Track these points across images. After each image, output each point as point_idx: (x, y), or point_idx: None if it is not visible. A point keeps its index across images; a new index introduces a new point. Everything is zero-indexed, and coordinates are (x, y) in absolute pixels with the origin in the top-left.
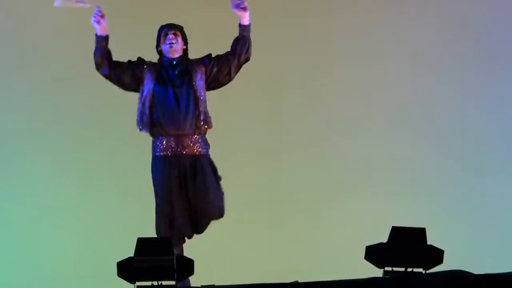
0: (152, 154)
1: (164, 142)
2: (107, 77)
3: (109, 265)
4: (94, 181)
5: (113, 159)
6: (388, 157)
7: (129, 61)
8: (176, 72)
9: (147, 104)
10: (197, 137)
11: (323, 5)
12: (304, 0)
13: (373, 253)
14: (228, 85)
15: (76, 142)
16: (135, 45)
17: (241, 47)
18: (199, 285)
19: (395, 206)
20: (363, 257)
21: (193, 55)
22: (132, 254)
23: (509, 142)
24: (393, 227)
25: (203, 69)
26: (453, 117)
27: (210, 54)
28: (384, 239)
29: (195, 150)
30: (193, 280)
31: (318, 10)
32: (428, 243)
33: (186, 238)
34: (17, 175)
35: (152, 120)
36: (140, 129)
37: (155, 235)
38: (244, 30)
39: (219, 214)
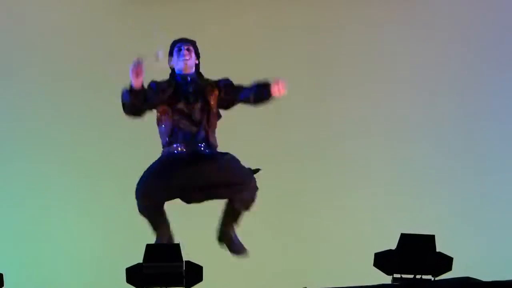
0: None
1: (175, 151)
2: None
3: (117, 271)
4: (98, 182)
5: (117, 160)
6: (398, 163)
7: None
8: (190, 90)
9: (166, 123)
10: (208, 152)
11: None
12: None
13: (382, 260)
14: None
15: (78, 143)
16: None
17: (254, 100)
18: None
19: (405, 213)
20: (372, 263)
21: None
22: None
23: None
24: (402, 234)
25: (217, 92)
26: (460, 120)
27: (227, 79)
28: (393, 246)
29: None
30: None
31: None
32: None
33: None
34: (19, 176)
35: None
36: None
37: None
38: (268, 97)
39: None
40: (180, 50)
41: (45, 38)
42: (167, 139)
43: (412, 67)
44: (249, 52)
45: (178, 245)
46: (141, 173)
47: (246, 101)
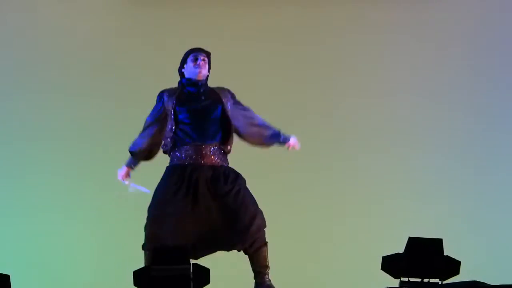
0: (168, 165)
1: (183, 152)
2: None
3: (122, 273)
4: (104, 184)
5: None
6: (406, 167)
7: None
8: (202, 90)
9: (170, 126)
10: (216, 149)
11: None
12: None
13: (389, 263)
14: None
15: (80, 144)
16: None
17: (264, 141)
18: None
19: (413, 216)
20: (379, 267)
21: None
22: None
23: None
24: (409, 237)
25: (229, 95)
26: (468, 122)
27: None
28: (400, 249)
29: (214, 161)
30: None
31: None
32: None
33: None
34: (23, 178)
35: (174, 137)
36: (164, 149)
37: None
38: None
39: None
40: (196, 59)
41: (46, 38)
42: (176, 140)
43: (416, 69)
44: (250, 54)
45: (185, 247)
46: (145, 174)
47: (259, 138)
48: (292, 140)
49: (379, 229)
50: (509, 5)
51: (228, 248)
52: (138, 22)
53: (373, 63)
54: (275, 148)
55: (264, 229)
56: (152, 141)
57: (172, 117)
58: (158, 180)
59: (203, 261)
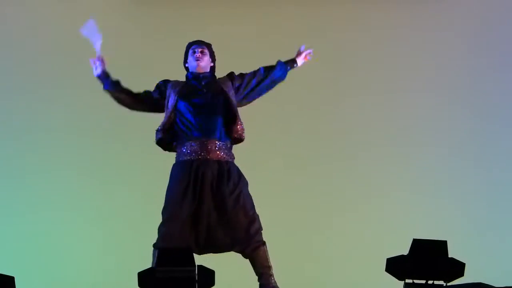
0: (175, 162)
1: (188, 147)
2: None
3: (127, 275)
4: (109, 187)
5: (126, 164)
6: (410, 169)
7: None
8: (203, 83)
9: (171, 116)
10: (222, 143)
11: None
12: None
13: (394, 265)
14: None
15: (83, 145)
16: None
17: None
18: None
19: (417, 218)
20: (384, 269)
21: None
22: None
23: None
24: (414, 239)
25: (230, 82)
26: (473, 124)
27: (233, 72)
28: (405, 251)
29: (220, 156)
30: None
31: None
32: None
33: None
34: (28, 181)
35: (173, 129)
36: (157, 138)
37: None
38: (291, 68)
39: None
40: (194, 52)
41: (46, 38)
42: (182, 134)
43: (421, 70)
44: (253, 54)
45: (190, 249)
46: (149, 176)
47: (268, 72)
48: (300, 58)
49: (383, 230)
50: (510, 5)
51: (226, 250)
52: (138, 22)
53: (374, 63)
54: (277, 148)
55: (261, 231)
56: (131, 96)
57: (173, 108)
58: (167, 176)
59: (208, 263)
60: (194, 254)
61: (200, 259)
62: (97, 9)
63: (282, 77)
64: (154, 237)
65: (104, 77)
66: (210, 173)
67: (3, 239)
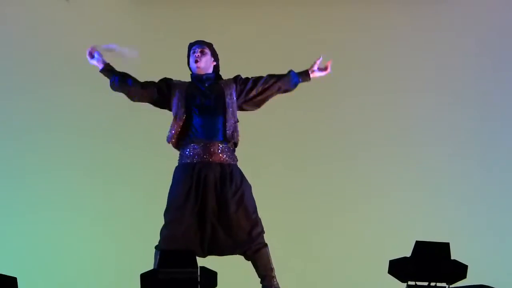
0: (177, 164)
1: (191, 150)
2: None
3: (130, 276)
4: (112, 188)
5: (129, 165)
6: (412, 170)
7: (159, 80)
8: (206, 85)
9: (178, 119)
10: (225, 146)
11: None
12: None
13: (397, 267)
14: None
15: (85, 147)
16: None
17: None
18: None
19: (420, 220)
20: (386, 271)
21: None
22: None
23: None
24: (417, 241)
25: (234, 85)
26: (476, 125)
27: (240, 75)
28: (407, 253)
29: (222, 159)
30: None
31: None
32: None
33: None
34: (32, 182)
35: (181, 132)
36: (168, 141)
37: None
38: (303, 81)
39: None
40: (194, 52)
41: (46, 38)
42: (185, 137)
43: (422, 70)
44: (253, 54)
45: (193, 251)
46: (150, 176)
47: (276, 79)
48: (317, 70)
49: (385, 232)
50: (511, 5)
51: (229, 253)
52: (138, 22)
53: (374, 63)
54: (277, 148)
55: (263, 234)
56: (135, 87)
57: (181, 110)
58: (168, 177)
59: (210, 264)
60: (198, 257)
61: (202, 261)
62: (97, 9)
63: (290, 88)
64: (156, 237)
65: (109, 72)
66: (212, 176)
67: (4, 240)
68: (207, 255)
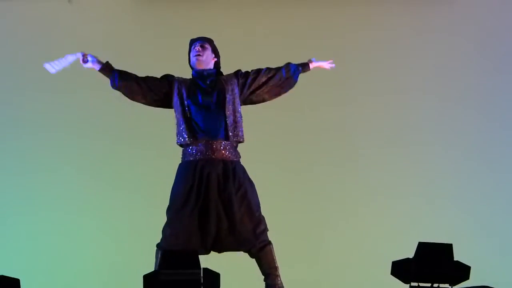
0: (180, 161)
1: (194, 148)
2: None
3: (132, 277)
4: (114, 189)
5: (132, 167)
6: (415, 171)
7: (161, 76)
8: (208, 82)
9: (181, 117)
10: (227, 143)
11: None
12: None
13: (399, 268)
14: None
15: (88, 148)
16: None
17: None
18: None
19: (423, 221)
20: (389, 272)
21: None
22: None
23: None
24: (419, 242)
25: (235, 79)
26: (478, 127)
27: (241, 70)
28: (410, 254)
29: (225, 156)
30: None
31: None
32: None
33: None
34: (34, 183)
35: (187, 130)
36: (178, 141)
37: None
38: (303, 69)
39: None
40: (194, 47)
41: (46, 38)
42: (186, 136)
43: (423, 71)
44: (253, 54)
45: (196, 252)
46: (151, 175)
47: (276, 70)
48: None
49: (388, 233)
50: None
51: (233, 249)
52: (139, 21)
53: (374, 63)
54: (283, 147)
55: (267, 231)
56: (133, 84)
57: (183, 108)
58: (169, 176)
59: (213, 265)
60: (201, 254)
61: (205, 262)
62: (98, 9)
63: (293, 77)
64: (157, 237)
65: (108, 70)
66: (215, 173)
67: (4, 240)
68: (210, 252)
